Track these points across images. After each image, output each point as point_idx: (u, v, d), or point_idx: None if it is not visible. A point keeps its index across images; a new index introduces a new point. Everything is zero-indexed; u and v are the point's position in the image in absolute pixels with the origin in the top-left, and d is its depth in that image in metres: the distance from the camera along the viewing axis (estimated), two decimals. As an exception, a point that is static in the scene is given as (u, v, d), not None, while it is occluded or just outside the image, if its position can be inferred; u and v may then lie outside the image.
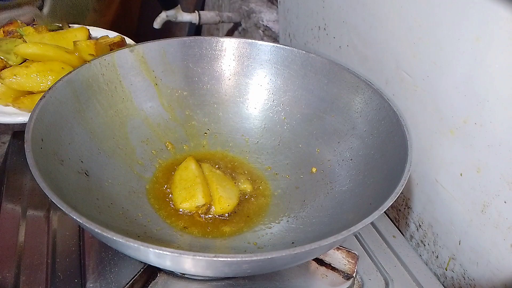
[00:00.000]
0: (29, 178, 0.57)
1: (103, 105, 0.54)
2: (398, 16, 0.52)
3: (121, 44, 0.71)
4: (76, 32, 0.68)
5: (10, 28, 0.68)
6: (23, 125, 0.42)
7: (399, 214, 0.60)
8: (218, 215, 0.50)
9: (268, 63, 0.61)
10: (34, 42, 0.64)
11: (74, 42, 0.64)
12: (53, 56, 0.63)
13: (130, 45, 0.59)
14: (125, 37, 0.75)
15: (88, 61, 0.54)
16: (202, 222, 0.50)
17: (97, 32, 0.77)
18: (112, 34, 0.76)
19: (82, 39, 0.65)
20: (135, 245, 0.32)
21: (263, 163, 0.58)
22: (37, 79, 0.60)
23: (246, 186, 0.55)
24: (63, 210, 0.34)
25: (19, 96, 0.61)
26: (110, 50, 0.70)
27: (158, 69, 0.60)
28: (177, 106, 0.61)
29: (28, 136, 0.41)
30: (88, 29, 0.69)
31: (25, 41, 0.66)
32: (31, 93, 0.61)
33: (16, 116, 0.60)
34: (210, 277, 0.44)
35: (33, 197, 0.54)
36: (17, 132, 0.66)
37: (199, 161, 0.56)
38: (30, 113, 0.60)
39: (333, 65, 0.58)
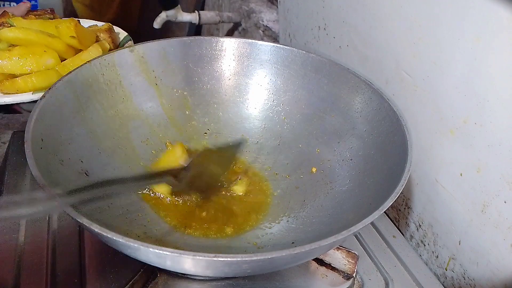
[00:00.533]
0: (29, 178, 0.57)
1: (103, 105, 0.54)
2: (398, 16, 0.52)
3: (108, 31, 0.71)
4: (64, 21, 0.68)
5: (1, 20, 0.68)
6: (23, 125, 0.42)
7: (399, 214, 0.60)
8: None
9: (268, 63, 0.61)
10: (18, 27, 0.64)
11: (56, 26, 0.64)
12: (36, 39, 0.63)
13: (129, 45, 0.59)
14: (114, 26, 0.74)
15: (88, 61, 0.54)
16: (202, 221, 0.50)
17: (87, 23, 0.77)
18: (101, 24, 0.76)
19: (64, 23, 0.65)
20: (135, 245, 0.32)
21: (263, 163, 0.58)
22: (19, 62, 0.61)
23: (246, 186, 0.55)
24: (63, 210, 0.34)
25: (2, 80, 0.61)
26: (96, 37, 0.70)
27: (158, 69, 0.60)
28: (177, 106, 0.61)
29: (28, 136, 0.41)
30: (79, 20, 0.69)
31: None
32: (14, 76, 0.61)
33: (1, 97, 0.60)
34: (210, 277, 0.44)
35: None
36: (17, 132, 0.65)
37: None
38: (14, 94, 0.60)
39: (333, 65, 0.58)
